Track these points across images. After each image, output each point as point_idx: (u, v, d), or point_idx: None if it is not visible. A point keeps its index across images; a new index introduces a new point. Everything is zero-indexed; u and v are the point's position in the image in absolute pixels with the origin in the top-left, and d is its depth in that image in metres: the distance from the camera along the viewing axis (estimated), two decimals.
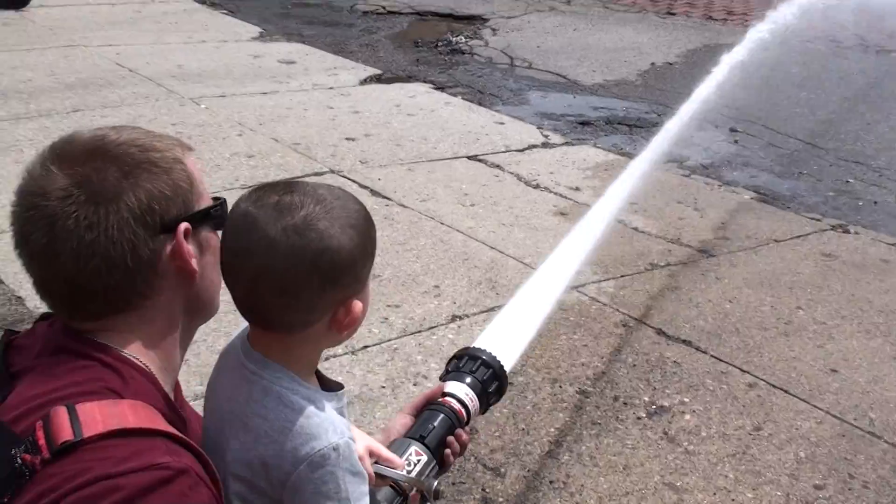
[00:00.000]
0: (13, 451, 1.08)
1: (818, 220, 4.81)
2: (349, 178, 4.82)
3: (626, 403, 3.07)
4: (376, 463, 1.43)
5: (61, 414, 1.10)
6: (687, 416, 3.03)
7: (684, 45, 7.98)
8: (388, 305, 3.56)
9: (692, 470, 2.78)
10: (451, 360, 1.74)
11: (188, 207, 1.26)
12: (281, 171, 4.82)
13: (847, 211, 4.98)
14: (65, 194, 1.19)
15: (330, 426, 1.27)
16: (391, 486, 1.44)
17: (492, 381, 1.68)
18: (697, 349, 3.44)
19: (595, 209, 2.70)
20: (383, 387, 3.05)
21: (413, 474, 1.47)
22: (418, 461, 1.49)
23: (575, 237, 2.39)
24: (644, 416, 3.02)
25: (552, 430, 2.91)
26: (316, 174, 4.85)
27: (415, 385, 3.07)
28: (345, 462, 1.28)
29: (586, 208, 4.64)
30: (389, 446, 1.51)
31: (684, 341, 3.49)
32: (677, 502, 2.63)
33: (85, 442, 1.08)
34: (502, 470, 2.70)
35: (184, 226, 1.25)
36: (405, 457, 1.49)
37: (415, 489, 1.45)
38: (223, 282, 1.33)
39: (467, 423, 1.63)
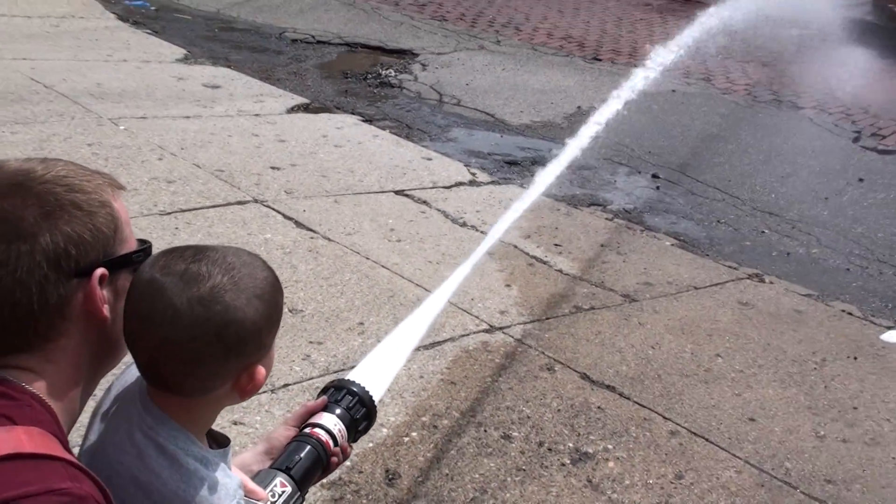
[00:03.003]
0: None
1: (735, 268, 4.91)
2: (273, 209, 4.73)
3: (550, 449, 3.05)
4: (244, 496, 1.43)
5: None
6: (611, 464, 3.03)
7: (609, 90, 8.12)
8: (311, 342, 3.48)
9: None
10: (323, 390, 1.77)
11: (108, 252, 1.23)
12: (202, 199, 4.70)
13: (762, 260, 5.10)
14: None
15: (222, 489, 1.30)
16: None
17: (361, 411, 1.72)
18: (621, 395, 3.45)
19: (479, 247, 2.71)
20: None
21: None
22: (283, 493, 1.53)
23: (455, 275, 2.41)
24: (568, 462, 3.00)
25: (476, 475, 2.87)
26: (239, 203, 4.74)
27: None
28: None
29: (512, 249, 4.68)
30: (256, 476, 1.53)
31: (608, 387, 3.49)
32: None
33: None
34: None
35: (100, 271, 1.22)
36: (270, 488, 1.52)
37: None
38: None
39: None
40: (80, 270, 1.19)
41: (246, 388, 1.32)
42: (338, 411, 1.69)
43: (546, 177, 4.12)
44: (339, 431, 1.67)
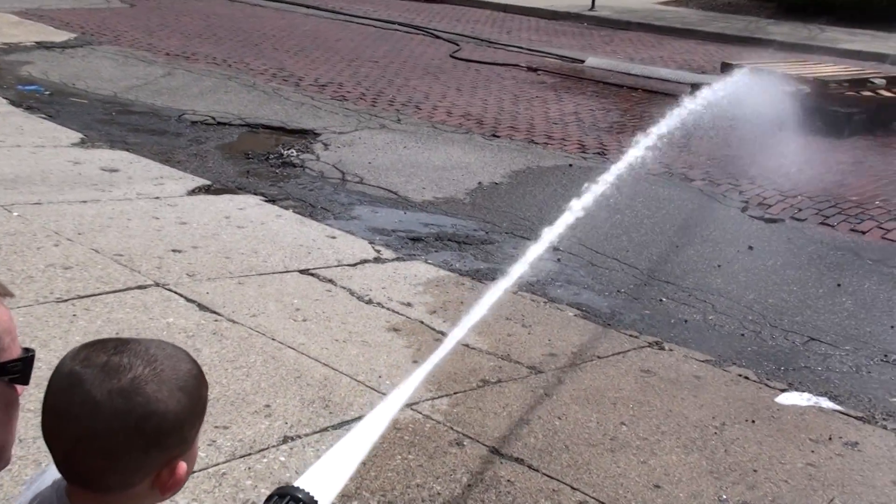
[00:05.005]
0: None
1: (636, 336, 5.04)
2: (175, 292, 4.66)
3: None
4: None
5: None
6: None
7: (509, 165, 8.34)
8: (216, 427, 3.42)
9: None
10: (267, 499, 1.73)
11: None
12: (101, 284, 4.60)
13: (661, 328, 5.25)
14: None
15: None
16: None
17: None
18: (530, 467, 3.48)
19: (438, 351, 2.70)
20: None
21: None
22: None
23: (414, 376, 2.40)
24: None
25: None
26: (140, 287, 4.65)
27: None
28: None
29: (419, 325, 4.70)
30: None
31: (517, 459, 3.52)
32: None
33: None
34: None
35: None
36: None
37: None
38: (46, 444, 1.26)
39: None
40: None
41: (167, 483, 1.29)
42: None
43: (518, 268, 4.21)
44: None
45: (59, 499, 1.29)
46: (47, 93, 9.46)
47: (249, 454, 3.28)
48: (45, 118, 8.39)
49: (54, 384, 1.24)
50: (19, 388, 1.29)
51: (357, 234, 6.22)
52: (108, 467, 1.23)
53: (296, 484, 1.71)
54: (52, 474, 1.33)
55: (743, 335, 5.23)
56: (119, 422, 1.21)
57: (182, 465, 1.29)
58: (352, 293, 5.06)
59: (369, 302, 4.96)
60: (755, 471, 3.68)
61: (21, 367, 1.24)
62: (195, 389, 1.30)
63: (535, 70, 13.27)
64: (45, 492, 1.33)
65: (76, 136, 7.84)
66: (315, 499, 1.66)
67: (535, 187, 7.81)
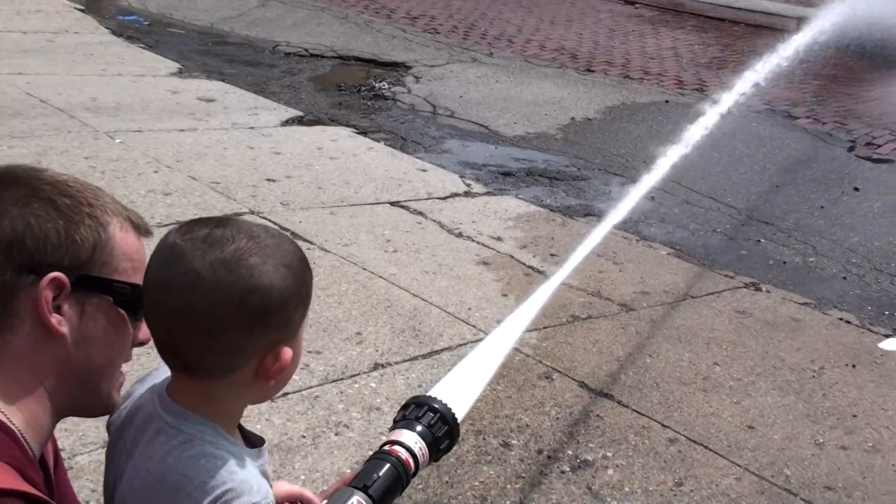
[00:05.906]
0: None
1: (731, 277, 4.91)
2: (270, 220, 4.72)
3: (549, 457, 3.04)
4: None
5: None
6: (610, 471, 3.02)
7: (603, 101, 8.16)
8: (309, 352, 3.47)
9: None
10: (403, 406, 1.68)
11: (77, 265, 1.18)
12: (199, 210, 4.69)
13: (758, 269, 5.10)
14: None
15: (254, 484, 1.21)
16: None
17: (443, 429, 1.61)
18: (619, 403, 3.44)
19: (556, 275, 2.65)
20: (303, 436, 2.95)
21: None
22: None
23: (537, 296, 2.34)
24: (568, 470, 2.99)
25: (476, 483, 2.85)
26: (235, 214, 4.72)
27: (336, 435, 2.98)
28: None
29: (509, 259, 4.67)
30: (331, 495, 1.45)
31: (606, 395, 3.49)
32: None
33: None
34: None
35: (53, 275, 1.16)
36: None
37: None
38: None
39: (415, 473, 1.56)
40: (32, 266, 1.16)
41: (271, 370, 1.21)
42: (418, 428, 1.59)
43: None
44: (420, 450, 1.57)
45: (161, 398, 1.26)
46: (146, 23, 9.62)
47: (341, 379, 3.32)
48: (144, 48, 8.54)
49: (155, 258, 1.19)
50: (142, 332, 1.27)
51: (447, 168, 6.18)
52: (209, 345, 1.17)
53: (430, 394, 1.67)
54: (149, 382, 1.33)
55: (845, 278, 5.05)
56: (221, 295, 1.14)
57: (287, 351, 1.21)
58: (442, 226, 5.04)
59: (459, 235, 4.94)
60: (855, 416, 3.56)
61: (129, 292, 1.22)
62: (299, 271, 1.23)
63: (632, 3, 12.88)
64: (141, 401, 1.31)
65: (174, 65, 7.97)
66: (451, 409, 1.62)
67: (629, 123, 7.63)
